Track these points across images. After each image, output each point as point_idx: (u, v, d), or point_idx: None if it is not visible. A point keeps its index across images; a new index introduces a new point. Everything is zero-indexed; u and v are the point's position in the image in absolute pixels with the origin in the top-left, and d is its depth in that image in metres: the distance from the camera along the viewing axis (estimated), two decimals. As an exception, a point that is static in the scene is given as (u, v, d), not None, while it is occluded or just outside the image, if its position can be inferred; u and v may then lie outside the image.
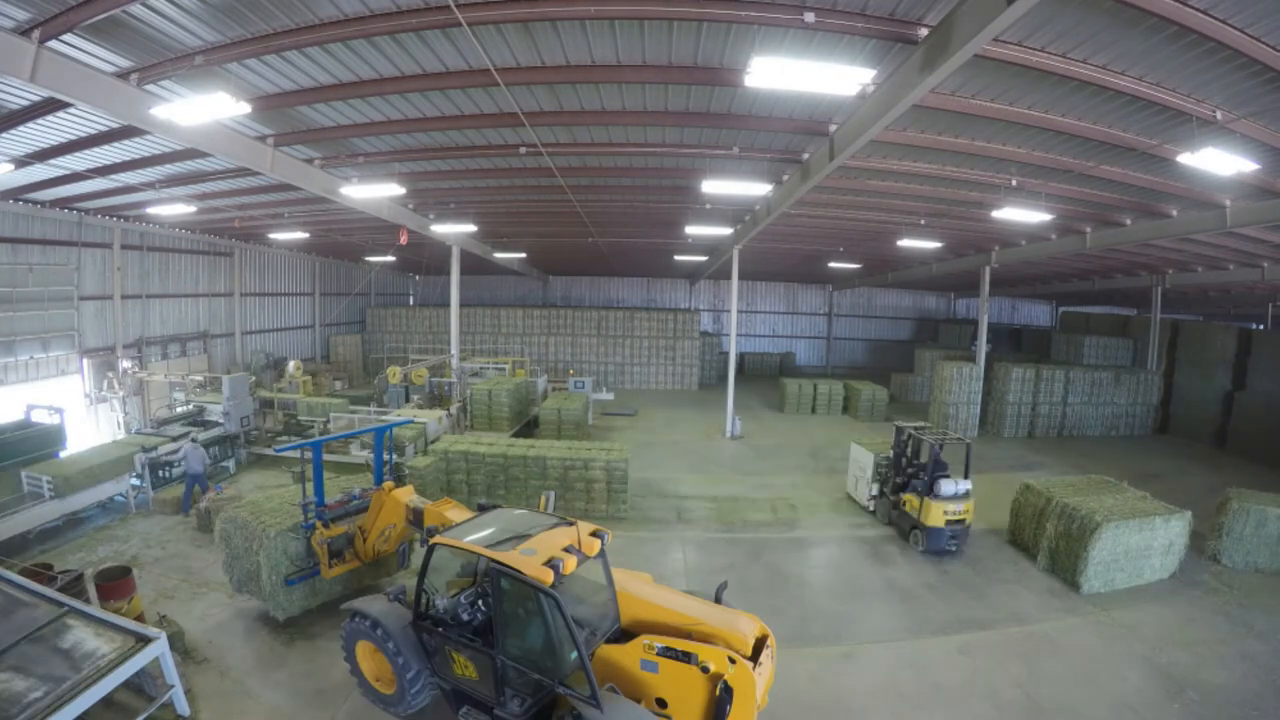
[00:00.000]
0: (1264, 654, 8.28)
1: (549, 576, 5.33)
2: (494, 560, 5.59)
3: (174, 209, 15.44)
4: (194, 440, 13.07)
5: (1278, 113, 7.66)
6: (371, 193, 12.90)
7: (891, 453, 12.35)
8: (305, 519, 7.95)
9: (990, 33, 5.31)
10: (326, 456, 14.75)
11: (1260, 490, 11.54)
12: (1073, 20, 6.13)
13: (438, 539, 6.22)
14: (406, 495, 7.82)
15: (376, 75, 8.40)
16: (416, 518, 7.49)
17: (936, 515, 10.78)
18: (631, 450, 17.59)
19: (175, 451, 12.99)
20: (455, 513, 7.22)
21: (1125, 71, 7.10)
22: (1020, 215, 12.33)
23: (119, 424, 16.95)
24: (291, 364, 21.54)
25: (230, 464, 14.63)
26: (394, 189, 12.67)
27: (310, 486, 7.93)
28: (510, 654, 5.65)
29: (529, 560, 5.49)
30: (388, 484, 8.10)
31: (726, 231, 18.03)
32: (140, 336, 18.59)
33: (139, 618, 7.29)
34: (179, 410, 16.30)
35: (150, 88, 8.20)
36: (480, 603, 6.14)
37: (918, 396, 26.95)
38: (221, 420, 14.72)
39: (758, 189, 12.31)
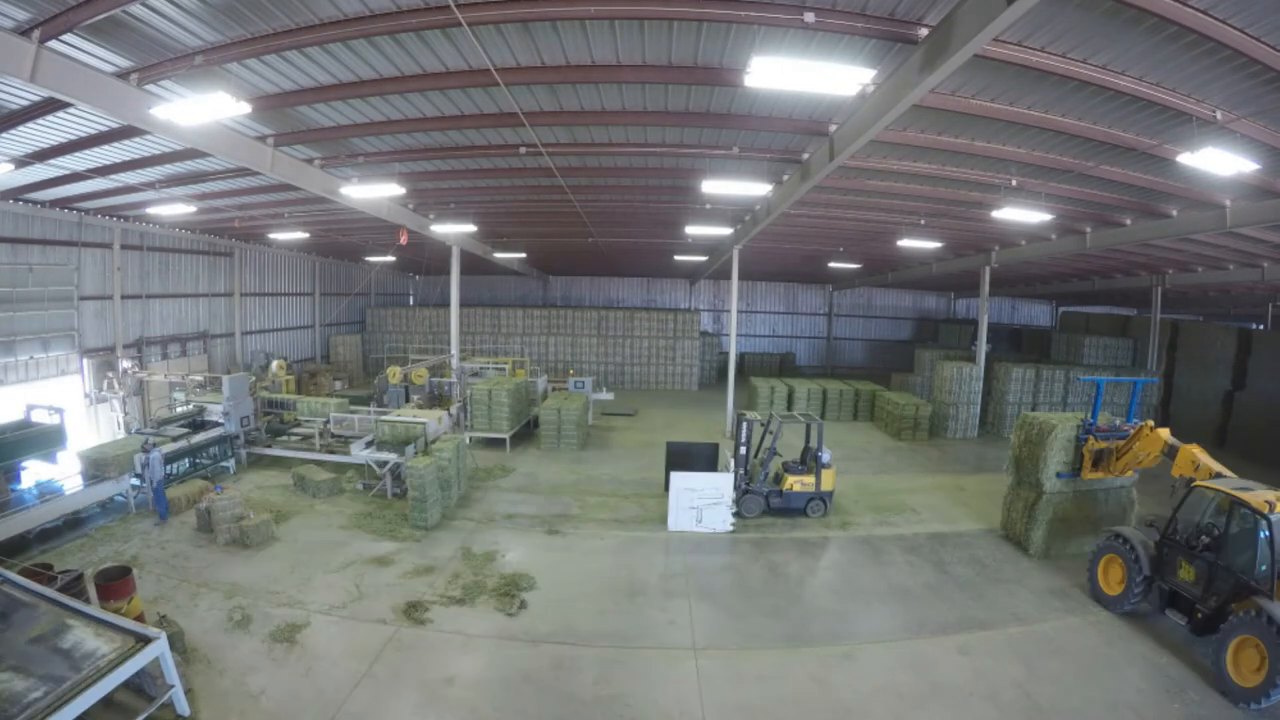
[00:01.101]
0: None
1: (1267, 509, 7.55)
2: (1238, 499, 7.88)
3: (174, 209, 15.44)
4: (148, 447, 11.92)
5: (1278, 113, 7.65)
6: (371, 193, 12.91)
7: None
8: (1079, 432, 10.90)
9: (990, 33, 5.31)
10: (328, 456, 14.78)
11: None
12: (1073, 20, 6.13)
13: (1200, 483, 8.62)
14: (1165, 434, 9.81)
15: (376, 75, 8.39)
16: (1171, 453, 9.58)
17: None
18: (631, 450, 17.70)
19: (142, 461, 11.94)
20: (1204, 456, 9.10)
21: (1125, 71, 7.10)
22: (1020, 215, 12.33)
23: (119, 424, 16.96)
24: (274, 363, 21.47)
25: (230, 464, 14.64)
26: (394, 189, 12.67)
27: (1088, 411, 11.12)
28: (1226, 563, 7.94)
29: (1255, 496, 7.75)
30: (1149, 422, 10.04)
31: (726, 231, 18.03)
32: (140, 336, 18.59)
33: (139, 618, 7.29)
34: (179, 410, 16.30)
35: (150, 88, 8.20)
36: (1211, 529, 8.38)
37: (918, 396, 26.89)
38: (221, 420, 14.73)
39: (758, 189, 12.30)
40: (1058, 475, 10.93)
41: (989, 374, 21.52)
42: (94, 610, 6.68)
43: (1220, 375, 20.89)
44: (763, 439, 13.07)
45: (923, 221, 15.40)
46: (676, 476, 12.01)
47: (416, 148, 11.67)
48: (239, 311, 23.16)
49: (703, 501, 11.76)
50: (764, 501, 12.59)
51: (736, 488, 12.22)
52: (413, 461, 12.07)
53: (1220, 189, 10.87)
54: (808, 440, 13.55)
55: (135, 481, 12.18)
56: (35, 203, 14.98)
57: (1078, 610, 9.34)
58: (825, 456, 12.69)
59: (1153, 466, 10.15)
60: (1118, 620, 9.04)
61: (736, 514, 12.16)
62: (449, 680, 7.33)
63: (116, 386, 16.94)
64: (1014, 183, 11.34)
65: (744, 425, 12.46)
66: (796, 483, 12.62)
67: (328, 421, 15.62)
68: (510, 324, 30.61)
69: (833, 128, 9.50)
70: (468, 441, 15.32)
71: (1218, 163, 8.02)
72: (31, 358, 15.23)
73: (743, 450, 12.44)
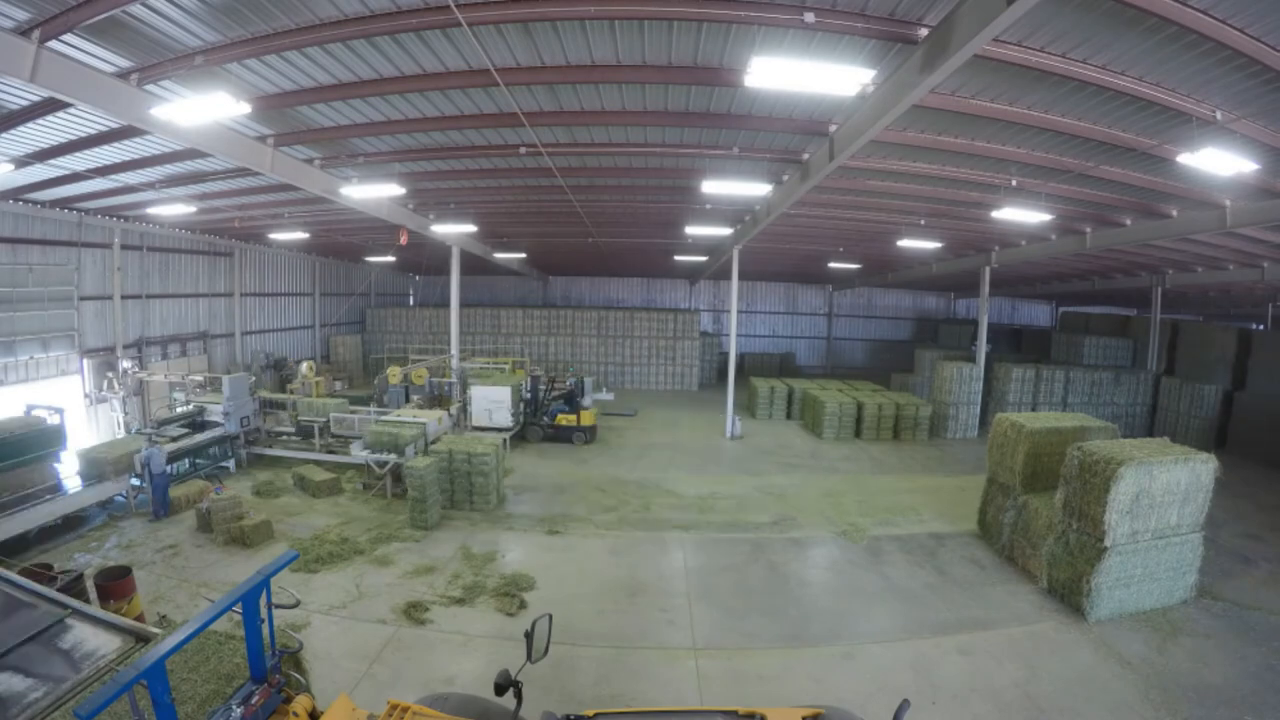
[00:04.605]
0: (1262, 655, 8.27)
1: None
2: None
3: (174, 209, 15.45)
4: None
5: (1278, 113, 7.66)
6: (371, 193, 12.91)
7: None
8: None
9: (990, 33, 5.32)
10: (327, 456, 14.76)
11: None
12: (1072, 20, 6.13)
13: None
14: None
15: (376, 75, 8.40)
16: None
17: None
18: (632, 450, 17.71)
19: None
20: None
21: (1125, 71, 7.10)
22: (1020, 215, 12.34)
23: (119, 424, 16.94)
24: (304, 365, 21.77)
25: (230, 464, 14.63)
26: (394, 189, 12.68)
27: None
28: None
29: None
30: None
31: (726, 231, 18.03)
32: (140, 336, 18.58)
33: (139, 618, 7.28)
34: (179, 410, 16.30)
35: (150, 88, 8.20)
36: None
37: (918, 396, 26.90)
38: (222, 420, 14.72)
39: (757, 189, 12.31)
40: None
41: (989, 374, 21.51)
42: (94, 610, 6.66)
43: (1220, 375, 20.87)
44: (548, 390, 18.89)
45: (922, 221, 15.40)
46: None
47: (416, 148, 11.67)
48: (239, 311, 23.14)
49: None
50: (541, 431, 18.16)
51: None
52: (413, 462, 12.06)
53: (1220, 189, 10.88)
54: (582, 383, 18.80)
55: (135, 481, 12.19)
56: (35, 203, 14.98)
57: (1078, 610, 9.33)
58: (587, 401, 18.24)
59: None
60: (1117, 620, 9.04)
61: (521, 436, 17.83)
62: (449, 680, 7.33)
63: (116, 386, 16.93)
64: (1014, 183, 11.34)
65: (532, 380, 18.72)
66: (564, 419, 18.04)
67: (327, 421, 15.61)
68: (510, 324, 30.62)
69: (833, 128, 9.51)
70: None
71: (1218, 163, 8.03)
72: (31, 358, 15.22)
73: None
